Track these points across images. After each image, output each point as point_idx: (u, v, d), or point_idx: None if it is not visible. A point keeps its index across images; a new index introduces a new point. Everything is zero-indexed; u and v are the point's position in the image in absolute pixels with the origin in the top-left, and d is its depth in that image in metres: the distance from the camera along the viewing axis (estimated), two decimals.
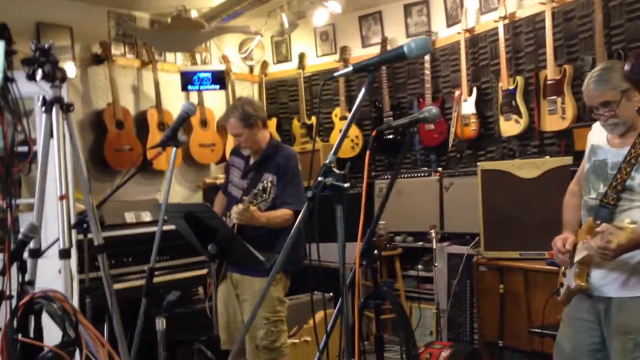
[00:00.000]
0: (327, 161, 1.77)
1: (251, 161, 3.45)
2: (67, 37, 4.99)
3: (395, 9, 5.73)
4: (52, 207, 2.78)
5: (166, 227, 2.95)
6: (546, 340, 3.40)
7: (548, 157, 4.27)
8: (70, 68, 4.93)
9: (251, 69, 6.42)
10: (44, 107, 2.71)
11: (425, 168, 5.39)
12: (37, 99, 2.73)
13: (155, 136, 5.27)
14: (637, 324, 2.32)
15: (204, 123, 5.67)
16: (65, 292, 2.32)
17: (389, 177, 5.27)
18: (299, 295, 4.22)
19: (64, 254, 2.61)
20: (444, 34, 5.43)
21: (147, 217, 4.73)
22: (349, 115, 1.86)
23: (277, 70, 6.46)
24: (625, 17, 4.08)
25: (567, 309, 2.63)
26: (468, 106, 5.04)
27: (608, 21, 4.14)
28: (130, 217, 4.66)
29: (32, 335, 1.86)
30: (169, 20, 5.33)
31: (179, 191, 5.74)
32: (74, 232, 3.01)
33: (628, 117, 2.40)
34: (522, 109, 4.65)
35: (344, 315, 1.83)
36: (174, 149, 2.93)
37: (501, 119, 4.79)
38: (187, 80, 5.60)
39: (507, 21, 4.77)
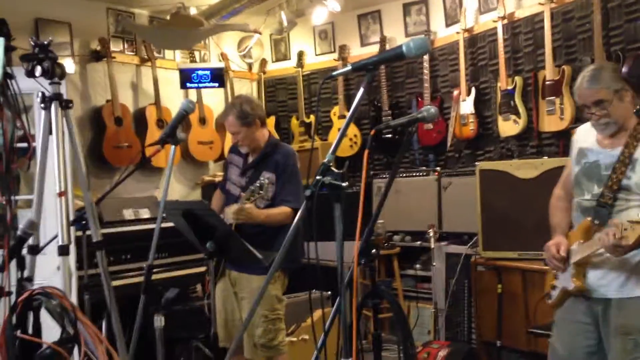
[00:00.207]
0: (326, 160, 1.77)
1: (250, 159, 3.45)
2: (66, 33, 4.99)
3: (394, 8, 5.73)
4: (50, 204, 2.79)
5: (165, 225, 2.95)
6: (544, 340, 3.40)
7: (546, 157, 4.28)
8: (69, 64, 4.93)
9: (250, 67, 6.42)
10: (43, 104, 2.72)
11: (424, 167, 5.40)
12: (36, 95, 2.73)
13: (153, 133, 5.27)
14: (637, 324, 2.32)
15: (202, 121, 5.67)
16: (64, 289, 2.32)
17: (388, 176, 5.27)
18: (297, 293, 4.22)
19: (63, 251, 2.62)
20: (443, 33, 5.44)
21: (145, 214, 4.73)
22: (348, 114, 1.87)
23: (276, 68, 6.46)
24: (624, 18, 4.09)
25: (560, 312, 2.63)
26: (466, 106, 5.05)
27: (607, 22, 4.15)
28: (128, 214, 4.66)
29: (30, 331, 1.86)
30: (168, 17, 5.33)
31: (178, 189, 5.74)
32: (72, 228, 3.01)
33: (620, 116, 2.42)
34: (521, 109, 4.66)
35: (342, 314, 1.83)
36: (173, 146, 2.93)
37: (500, 119, 4.79)
38: (186, 77, 5.59)
39: (506, 21, 4.77)
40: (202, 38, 5.77)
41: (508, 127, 4.75)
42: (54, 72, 2.69)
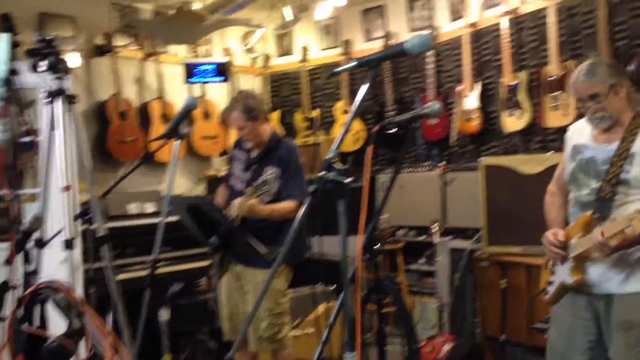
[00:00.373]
0: (329, 156, 1.78)
1: (253, 154, 3.46)
2: (70, 27, 4.99)
3: (399, 2, 5.72)
4: (56, 198, 2.80)
5: (169, 219, 2.97)
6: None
7: (551, 152, 4.27)
8: (73, 59, 4.94)
9: (254, 61, 6.42)
10: (47, 99, 2.73)
11: (428, 162, 5.40)
12: (40, 90, 2.75)
13: (158, 128, 5.28)
14: (639, 319, 2.33)
15: (206, 115, 5.68)
16: (70, 282, 2.33)
17: (392, 171, 5.28)
18: (301, 287, 4.24)
19: (69, 245, 2.64)
20: (447, 28, 5.42)
21: (150, 208, 4.74)
22: (351, 110, 1.87)
23: (280, 63, 6.46)
24: (629, 14, 4.08)
25: (557, 308, 2.62)
26: (471, 101, 5.04)
27: (612, 17, 4.13)
28: (133, 208, 4.68)
29: (37, 324, 1.88)
30: (172, 12, 5.34)
31: (182, 183, 5.75)
32: (77, 222, 3.02)
33: (615, 110, 2.44)
34: (525, 104, 4.65)
35: (346, 308, 1.84)
36: (177, 141, 2.94)
37: (504, 114, 4.79)
38: (190, 72, 5.60)
39: (510, 16, 4.76)
40: (206, 33, 5.77)
41: (512, 122, 4.74)
42: (59, 68, 2.71)
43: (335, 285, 4.45)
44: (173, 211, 3.07)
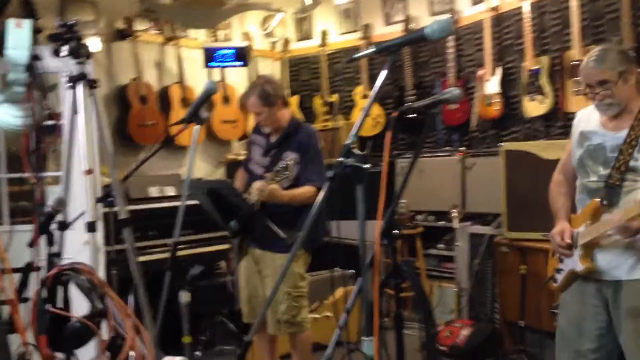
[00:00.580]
0: (348, 141, 1.78)
1: (272, 139, 3.47)
2: (91, 12, 5.01)
3: None
4: (78, 181, 2.84)
5: (189, 202, 2.99)
6: None
7: None
8: (94, 43, 4.97)
9: (273, 46, 6.41)
10: (69, 84, 2.76)
11: (448, 147, 5.38)
12: (62, 75, 2.77)
13: (178, 112, 5.31)
14: None
15: (226, 99, 5.70)
16: (92, 264, 2.37)
17: (411, 156, 5.26)
18: (320, 271, 4.26)
19: (91, 227, 2.67)
20: (468, 12, 5.37)
21: (170, 191, 4.78)
22: (371, 94, 1.87)
23: (299, 47, 6.44)
24: None
25: (566, 295, 2.63)
26: (492, 86, 5.00)
27: (635, 2, 4.06)
28: (154, 191, 4.72)
29: (60, 306, 1.92)
30: None
31: (202, 167, 5.79)
32: (99, 205, 3.06)
33: (624, 98, 2.43)
34: (547, 89, 4.60)
35: (364, 293, 1.85)
36: (197, 126, 2.96)
37: (525, 99, 4.74)
38: (210, 56, 5.61)
39: (532, 0, 4.70)
40: (225, 17, 5.77)
41: (534, 107, 4.70)
42: (80, 52, 2.73)
43: (353, 270, 4.47)
44: (193, 195, 3.09)
